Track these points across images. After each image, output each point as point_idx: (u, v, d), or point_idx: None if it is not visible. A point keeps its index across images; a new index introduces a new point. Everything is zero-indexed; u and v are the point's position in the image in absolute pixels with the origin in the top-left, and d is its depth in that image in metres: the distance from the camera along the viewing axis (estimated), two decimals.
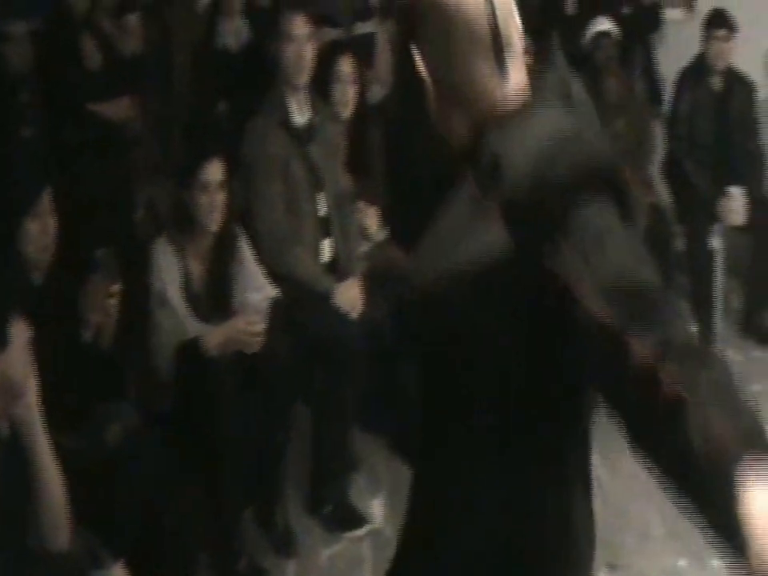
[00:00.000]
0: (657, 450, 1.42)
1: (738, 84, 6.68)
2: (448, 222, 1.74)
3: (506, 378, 1.70)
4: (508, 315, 1.64)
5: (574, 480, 1.82)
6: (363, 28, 6.10)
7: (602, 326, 1.45)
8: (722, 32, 6.56)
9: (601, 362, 1.50)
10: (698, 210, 6.27)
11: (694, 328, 1.51)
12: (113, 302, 3.86)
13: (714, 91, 6.60)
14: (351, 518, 4.52)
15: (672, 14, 7.75)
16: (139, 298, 4.21)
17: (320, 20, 5.52)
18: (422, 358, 1.87)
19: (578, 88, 1.80)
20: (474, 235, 1.66)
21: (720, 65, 6.60)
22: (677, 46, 6.99)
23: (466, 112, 1.73)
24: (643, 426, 1.44)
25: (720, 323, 6.16)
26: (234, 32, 6.07)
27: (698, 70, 6.64)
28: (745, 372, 5.85)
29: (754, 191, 6.35)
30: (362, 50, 5.96)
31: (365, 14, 6.14)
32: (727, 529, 1.31)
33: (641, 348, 1.40)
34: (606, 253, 1.51)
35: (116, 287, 3.87)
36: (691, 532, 1.41)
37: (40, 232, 3.64)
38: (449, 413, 1.81)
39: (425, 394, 1.87)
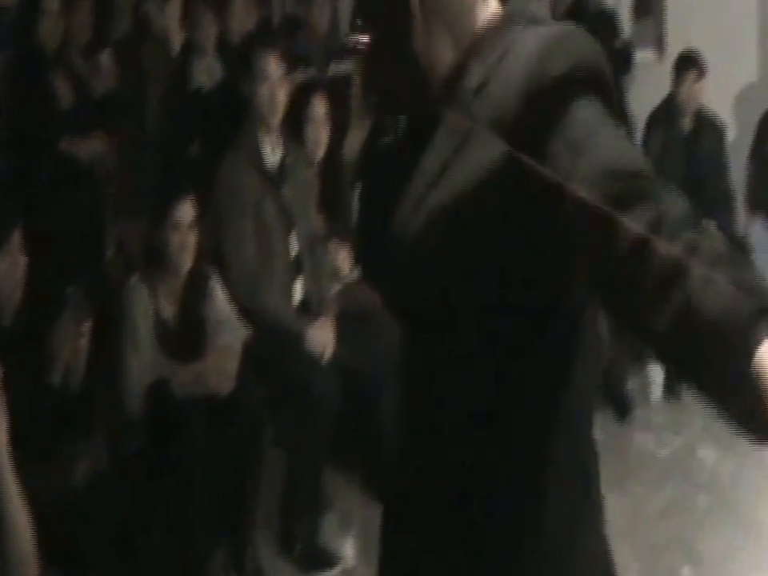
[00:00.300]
0: (664, 332, 1.38)
1: (707, 125, 6.76)
2: (428, 166, 1.66)
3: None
4: (499, 246, 1.59)
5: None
6: (339, 69, 6.10)
7: (594, 214, 1.42)
8: (691, 74, 6.64)
9: (594, 254, 1.47)
10: None
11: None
12: (83, 340, 3.85)
13: (684, 132, 6.67)
14: (323, 559, 4.50)
15: (643, 56, 7.82)
16: (110, 337, 4.20)
17: (294, 60, 5.54)
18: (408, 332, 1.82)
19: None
20: (459, 166, 1.61)
21: (690, 106, 6.68)
22: (648, 87, 7.05)
23: (452, 32, 1.67)
24: (646, 309, 1.40)
25: None
26: (208, 71, 6.07)
27: (668, 110, 6.70)
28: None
29: (726, 230, 6.39)
30: (337, 90, 5.97)
31: (340, 55, 6.14)
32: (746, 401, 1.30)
33: (635, 225, 1.39)
34: (598, 141, 1.50)
35: (86, 325, 3.85)
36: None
37: (10, 269, 3.63)
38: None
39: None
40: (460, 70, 1.65)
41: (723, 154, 6.84)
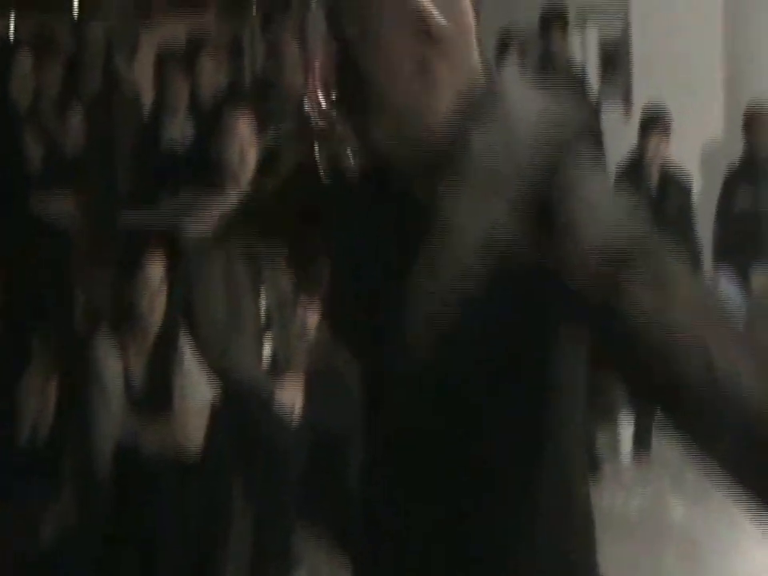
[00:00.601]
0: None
1: (673, 180, 6.82)
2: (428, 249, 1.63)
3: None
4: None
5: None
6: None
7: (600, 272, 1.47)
8: (656, 129, 6.71)
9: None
10: None
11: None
12: (49, 395, 3.84)
13: (651, 187, 6.73)
14: None
15: (610, 111, 7.91)
16: (77, 394, 4.18)
17: (264, 120, 5.56)
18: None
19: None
20: (462, 246, 1.59)
21: (656, 161, 6.75)
22: (615, 142, 7.12)
23: (447, 93, 1.62)
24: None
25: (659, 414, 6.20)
26: (179, 128, 6.08)
27: (634, 166, 6.76)
28: (684, 462, 5.90)
29: None
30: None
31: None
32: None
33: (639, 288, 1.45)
34: (601, 208, 1.54)
35: (53, 380, 3.85)
36: None
37: None
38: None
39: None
40: (460, 134, 1.63)
41: (689, 209, 6.90)
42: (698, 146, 7.57)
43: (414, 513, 1.77)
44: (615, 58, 8.22)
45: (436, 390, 1.66)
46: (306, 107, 1.67)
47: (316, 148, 1.66)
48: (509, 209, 1.56)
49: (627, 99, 8.03)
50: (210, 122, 5.18)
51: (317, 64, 1.66)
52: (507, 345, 1.60)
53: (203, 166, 5.00)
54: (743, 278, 6.79)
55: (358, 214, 1.74)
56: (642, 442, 5.96)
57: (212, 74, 6.51)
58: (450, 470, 1.71)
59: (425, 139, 1.64)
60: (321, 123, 1.67)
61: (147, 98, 6.56)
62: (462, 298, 1.59)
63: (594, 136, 1.59)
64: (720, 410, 1.38)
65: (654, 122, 6.73)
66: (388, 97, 1.60)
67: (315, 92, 1.67)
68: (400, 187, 1.66)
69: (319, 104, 1.69)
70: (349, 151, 1.65)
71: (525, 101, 1.64)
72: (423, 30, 1.58)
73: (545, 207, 1.53)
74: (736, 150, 7.07)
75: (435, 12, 1.58)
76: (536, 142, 1.58)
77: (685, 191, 6.88)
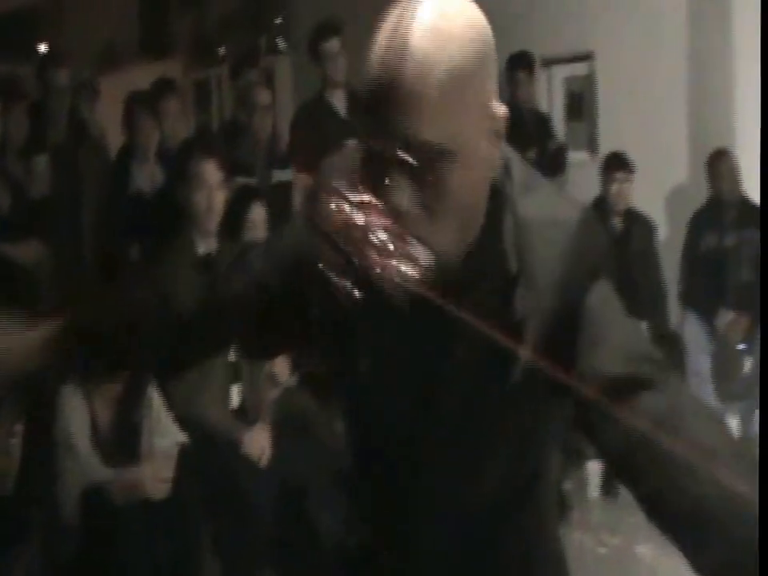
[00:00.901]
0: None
1: (637, 224, 6.87)
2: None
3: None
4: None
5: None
6: (279, 176, 6.13)
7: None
8: (620, 174, 6.77)
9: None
10: None
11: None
12: (14, 441, 3.81)
13: (615, 231, 6.77)
14: None
15: (576, 156, 7.98)
16: (44, 441, 4.15)
17: (233, 167, 5.57)
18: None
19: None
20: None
21: (619, 205, 6.80)
22: (581, 186, 7.18)
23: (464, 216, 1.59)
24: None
25: None
26: (149, 176, 6.05)
27: (598, 209, 6.80)
28: None
29: (659, 328, 6.49)
30: (278, 198, 6.01)
31: (281, 163, 6.18)
32: None
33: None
34: (612, 328, 1.59)
35: (18, 427, 3.82)
36: None
37: None
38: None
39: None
40: (480, 252, 1.62)
41: (654, 252, 6.96)
42: (664, 192, 7.63)
43: (389, 561, 1.77)
44: (581, 104, 8.30)
45: (426, 451, 1.69)
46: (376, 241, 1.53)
47: (377, 270, 1.52)
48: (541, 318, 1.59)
49: (593, 144, 8.09)
50: (177, 169, 5.16)
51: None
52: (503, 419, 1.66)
53: (172, 213, 4.98)
54: (709, 319, 6.84)
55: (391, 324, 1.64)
56: (609, 486, 5.97)
57: (179, 120, 6.50)
58: (431, 519, 1.73)
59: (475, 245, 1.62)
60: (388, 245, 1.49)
61: (114, 144, 6.54)
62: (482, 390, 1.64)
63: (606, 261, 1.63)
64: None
65: (616, 166, 6.79)
66: (461, 201, 1.56)
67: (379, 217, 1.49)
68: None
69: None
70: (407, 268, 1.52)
71: (548, 226, 1.63)
72: (496, 133, 1.59)
73: (570, 324, 1.58)
74: (701, 194, 7.14)
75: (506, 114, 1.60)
76: (568, 266, 1.60)
77: (648, 233, 6.94)
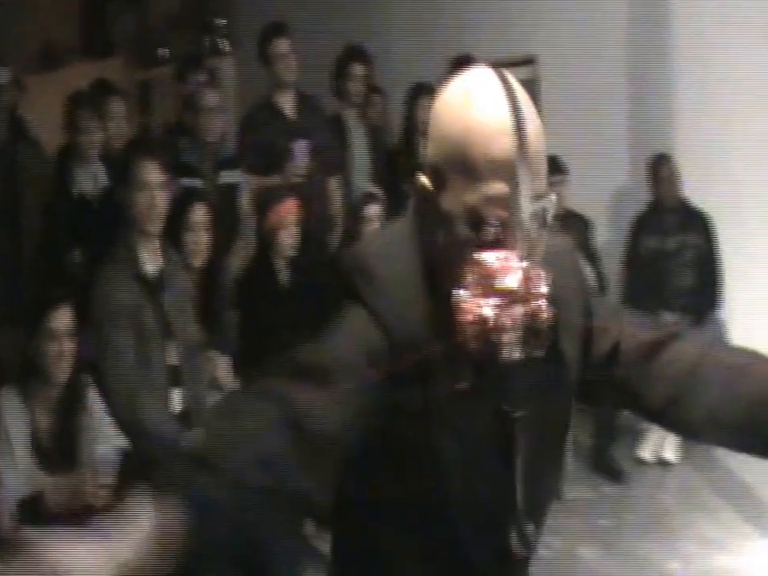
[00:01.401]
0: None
1: (571, 218, 6.88)
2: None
3: None
4: None
5: None
6: (227, 178, 6.08)
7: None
8: (555, 178, 6.79)
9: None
10: None
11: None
12: None
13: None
14: None
15: None
16: None
17: (178, 169, 5.51)
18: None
19: None
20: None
21: (556, 209, 6.81)
22: None
23: None
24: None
25: (571, 461, 6.27)
26: (91, 177, 5.95)
27: None
28: (595, 508, 5.95)
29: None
30: (224, 199, 5.96)
31: (229, 164, 6.13)
32: None
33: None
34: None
35: None
36: None
37: None
38: None
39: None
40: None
41: (591, 245, 7.02)
42: (605, 195, 7.69)
43: None
44: None
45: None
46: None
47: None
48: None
49: None
50: (118, 171, 5.09)
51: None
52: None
53: (114, 215, 4.91)
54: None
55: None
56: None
57: (123, 121, 6.43)
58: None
59: None
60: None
61: (54, 146, 6.45)
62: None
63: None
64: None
65: (551, 170, 6.80)
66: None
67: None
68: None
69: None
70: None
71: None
72: None
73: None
74: (642, 198, 7.20)
75: None
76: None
77: (583, 227, 6.98)
